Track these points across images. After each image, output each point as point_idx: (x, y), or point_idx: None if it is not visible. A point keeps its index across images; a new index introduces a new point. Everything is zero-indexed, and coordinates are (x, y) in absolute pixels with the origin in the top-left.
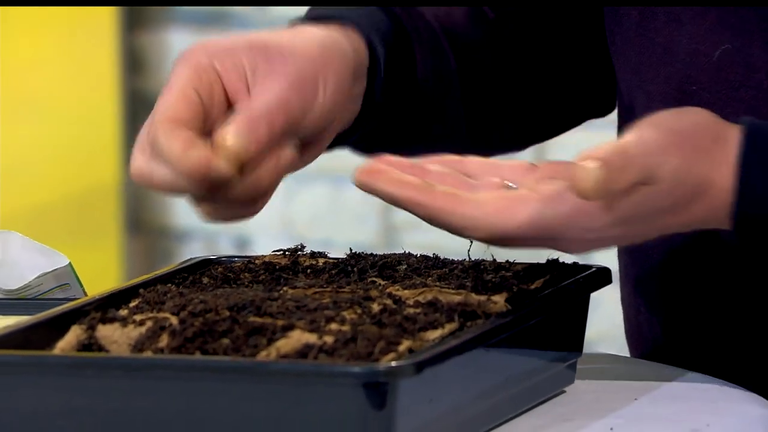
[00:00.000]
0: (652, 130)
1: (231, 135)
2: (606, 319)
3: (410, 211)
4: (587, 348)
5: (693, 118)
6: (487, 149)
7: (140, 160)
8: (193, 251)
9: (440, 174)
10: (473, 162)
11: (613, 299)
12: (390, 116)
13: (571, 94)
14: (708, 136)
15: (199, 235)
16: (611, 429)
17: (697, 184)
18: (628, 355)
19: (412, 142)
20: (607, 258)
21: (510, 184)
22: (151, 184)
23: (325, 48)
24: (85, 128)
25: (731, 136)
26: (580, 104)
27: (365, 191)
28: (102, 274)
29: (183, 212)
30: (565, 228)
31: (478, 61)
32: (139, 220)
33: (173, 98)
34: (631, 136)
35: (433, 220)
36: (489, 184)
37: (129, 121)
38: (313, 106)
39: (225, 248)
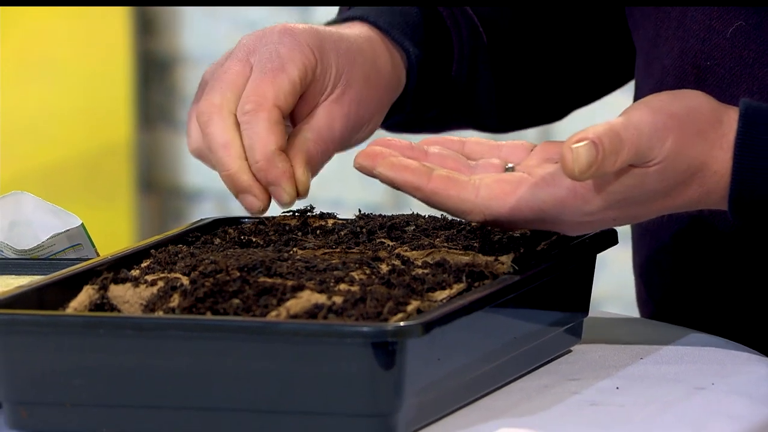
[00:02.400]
0: (647, 111)
1: (303, 172)
2: (613, 279)
3: (408, 194)
4: (594, 308)
5: (689, 100)
6: (513, 126)
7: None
8: (205, 211)
9: (440, 156)
10: (474, 143)
11: (620, 259)
12: (422, 107)
13: (593, 68)
14: (704, 119)
15: (211, 195)
16: (617, 388)
17: (691, 167)
18: (635, 315)
19: (443, 125)
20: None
21: (510, 165)
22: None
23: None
24: (97, 88)
25: (728, 120)
26: (601, 77)
27: (364, 174)
28: (114, 233)
29: (195, 171)
30: (560, 211)
31: (507, 36)
32: (151, 179)
33: (282, 85)
34: (624, 117)
35: (430, 202)
36: (488, 165)
37: (141, 80)
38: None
39: (236, 208)
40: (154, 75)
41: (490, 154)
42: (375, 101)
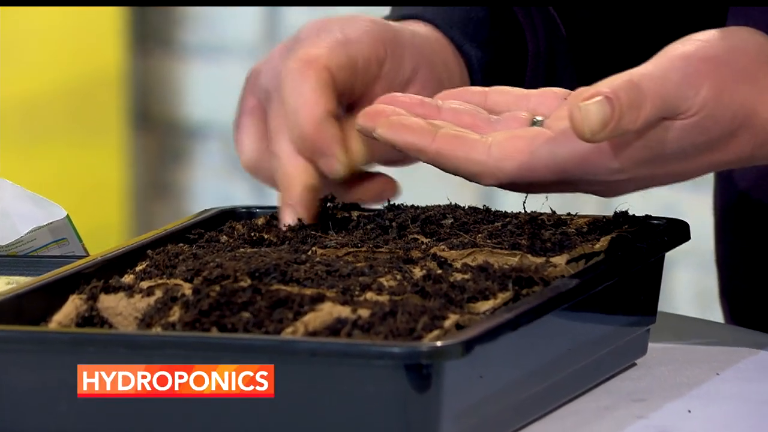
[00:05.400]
0: (675, 57)
1: (357, 141)
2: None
3: (414, 157)
4: (661, 309)
5: (732, 40)
6: None
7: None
8: (210, 151)
9: (455, 111)
10: (498, 93)
11: (693, 251)
12: None
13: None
14: (749, 60)
15: (216, 132)
16: (689, 411)
17: (737, 116)
18: (711, 316)
19: None
20: (700, 208)
21: (538, 118)
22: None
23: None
24: (84, 9)
25: None
26: None
27: (364, 135)
28: (104, 177)
29: (198, 104)
30: (582, 170)
31: (590, 27)
32: (147, 113)
33: (338, 54)
34: (646, 67)
35: (436, 165)
36: (513, 119)
37: None
38: None
39: None
40: None
41: (516, 105)
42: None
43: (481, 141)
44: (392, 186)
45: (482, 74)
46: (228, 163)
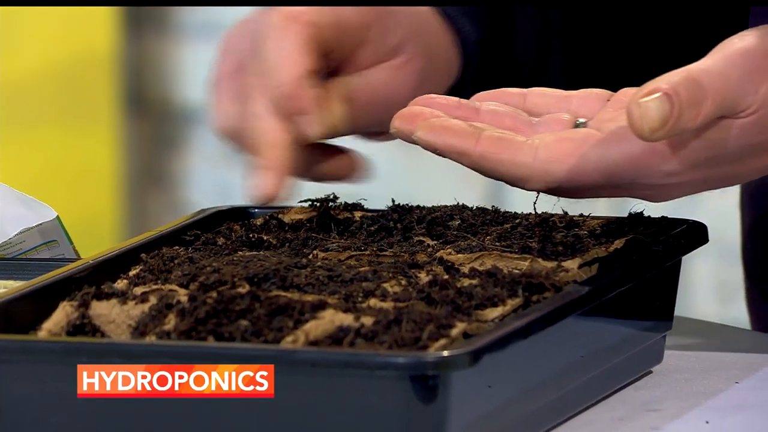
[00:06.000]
0: (735, 52)
1: (340, 105)
2: (700, 276)
3: (455, 161)
4: (679, 301)
5: None
6: None
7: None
8: (207, 137)
9: (495, 114)
10: (538, 95)
11: (709, 252)
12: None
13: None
14: None
15: None
16: (707, 422)
17: None
18: (732, 309)
19: None
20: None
21: (581, 120)
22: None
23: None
24: None
25: None
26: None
27: (402, 139)
28: (94, 163)
29: (194, 87)
30: (634, 173)
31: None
32: (140, 96)
33: (323, 12)
34: (706, 61)
35: (480, 169)
36: (555, 121)
37: None
38: None
39: None
40: None
41: (557, 107)
42: (435, 83)
43: (527, 143)
44: (361, 166)
45: (480, 53)
46: (224, 149)
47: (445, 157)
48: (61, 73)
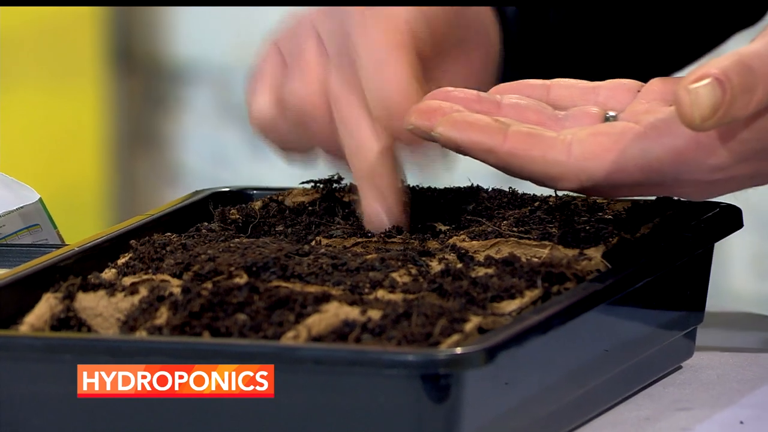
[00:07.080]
0: None
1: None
2: (735, 249)
3: (480, 159)
4: (710, 304)
5: None
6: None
7: None
8: (201, 96)
9: (518, 107)
10: (562, 86)
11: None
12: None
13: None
14: None
15: (209, 73)
16: (741, 422)
17: None
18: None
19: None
20: None
21: (611, 113)
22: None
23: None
24: None
25: None
26: (725, 15)
27: (420, 137)
28: (79, 125)
29: (188, 41)
30: (677, 168)
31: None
32: (128, 52)
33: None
34: (757, 44)
35: (508, 168)
36: (583, 115)
37: None
38: None
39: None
40: None
41: (584, 99)
42: (491, 68)
43: (559, 139)
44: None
45: (517, 27)
46: (220, 109)
47: (467, 155)
48: (43, 27)
